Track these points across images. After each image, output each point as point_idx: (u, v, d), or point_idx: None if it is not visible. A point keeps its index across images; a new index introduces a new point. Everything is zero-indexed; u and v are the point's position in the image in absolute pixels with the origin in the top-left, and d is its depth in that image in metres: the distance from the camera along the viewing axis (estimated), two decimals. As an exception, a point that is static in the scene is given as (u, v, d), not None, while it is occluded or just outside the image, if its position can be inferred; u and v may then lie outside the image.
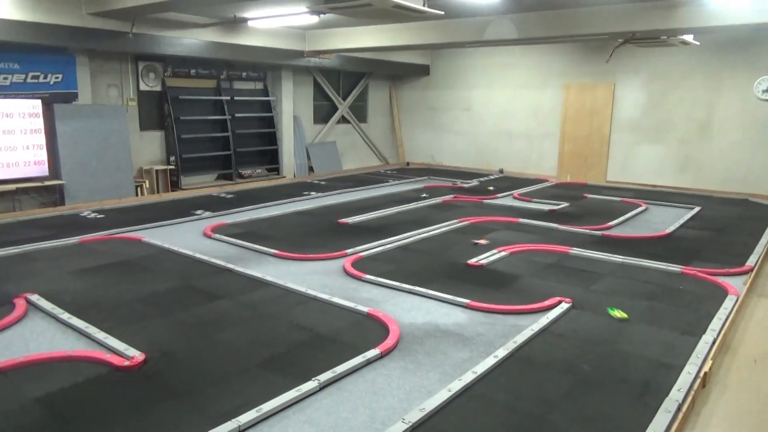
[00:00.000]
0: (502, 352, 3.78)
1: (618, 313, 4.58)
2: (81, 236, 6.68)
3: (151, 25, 8.70)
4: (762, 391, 3.47)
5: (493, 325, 4.32)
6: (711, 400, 3.32)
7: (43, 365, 3.56)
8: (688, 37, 8.80)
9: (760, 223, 8.06)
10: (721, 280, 5.44)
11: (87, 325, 4.11)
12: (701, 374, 3.47)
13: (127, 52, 9.31)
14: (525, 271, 5.68)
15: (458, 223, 7.77)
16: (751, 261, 6.10)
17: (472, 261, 5.96)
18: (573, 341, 4.05)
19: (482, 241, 6.72)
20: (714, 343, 4.00)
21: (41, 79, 8.46)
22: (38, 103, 8.36)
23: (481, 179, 12.22)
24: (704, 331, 4.21)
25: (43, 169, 8.48)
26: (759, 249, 6.61)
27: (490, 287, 5.20)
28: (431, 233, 7.20)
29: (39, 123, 8.36)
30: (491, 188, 11.15)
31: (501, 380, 3.48)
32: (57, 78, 8.62)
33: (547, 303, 4.71)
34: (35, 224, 7.44)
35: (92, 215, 8.05)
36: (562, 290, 5.08)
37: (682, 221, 8.16)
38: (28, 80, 8.32)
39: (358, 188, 10.77)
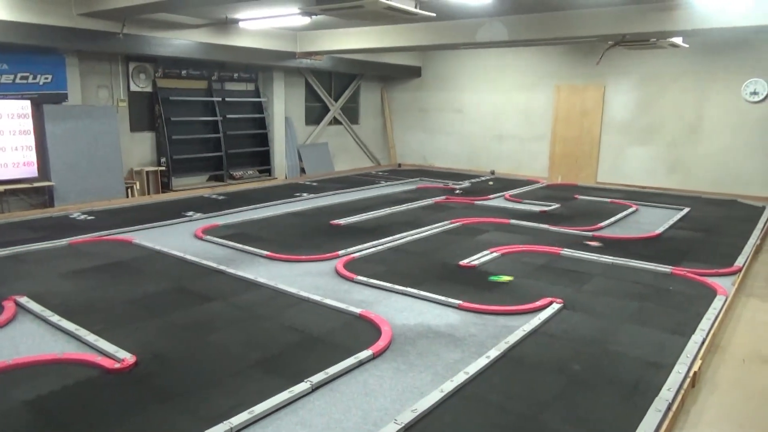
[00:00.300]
0: (494, 353, 3.80)
1: (502, 278, 4.82)
2: (71, 238, 6.64)
3: (142, 26, 8.66)
4: (750, 390, 3.50)
5: (485, 326, 4.33)
6: (700, 400, 3.35)
7: (33, 368, 3.53)
8: (678, 40, 8.88)
9: (748, 224, 8.14)
10: (710, 280, 5.49)
11: (77, 327, 4.08)
12: (691, 374, 3.50)
13: (117, 52, 9.27)
14: (516, 272, 5.70)
15: (450, 224, 7.79)
16: (740, 261, 6.15)
17: (464, 262, 5.98)
18: (564, 342, 4.08)
19: (594, 243, 6.88)
20: (703, 342, 4.03)
21: (30, 80, 8.40)
22: (27, 103, 8.30)
23: (473, 180, 12.26)
24: (694, 331, 4.24)
25: (32, 171, 8.41)
26: (747, 249, 6.68)
27: (482, 288, 5.22)
28: (423, 234, 7.22)
29: (28, 124, 8.30)
30: (491, 183, 11.26)
31: (493, 381, 3.49)
32: (46, 79, 8.56)
33: (538, 304, 4.73)
34: (24, 226, 7.38)
35: (82, 217, 8.00)
36: (554, 291, 5.11)
37: (671, 222, 8.23)
38: (17, 81, 8.26)
39: (350, 189, 10.77)
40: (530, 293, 5.04)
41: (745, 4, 6.93)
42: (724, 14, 7.13)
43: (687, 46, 9.71)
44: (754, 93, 10.30)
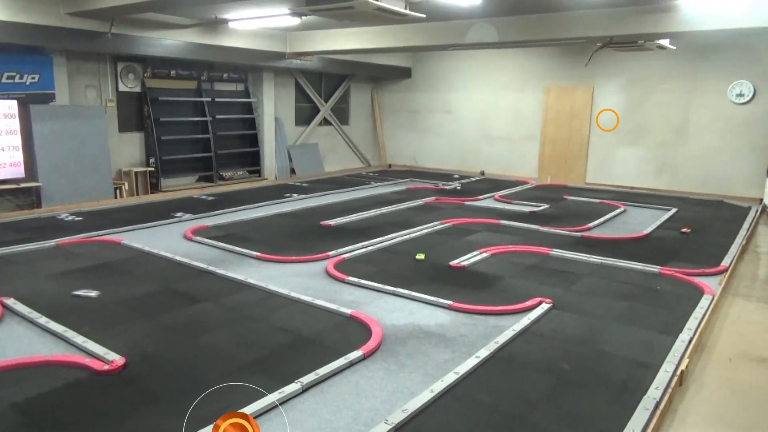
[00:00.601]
0: (484, 353, 3.81)
1: (419, 256, 5.82)
2: (58, 239, 6.58)
3: (131, 26, 8.60)
4: (736, 389, 3.55)
5: (475, 326, 4.35)
6: (687, 398, 3.39)
7: (21, 370, 3.50)
8: (665, 42, 8.97)
9: (734, 224, 8.23)
10: (697, 280, 5.55)
11: (65, 329, 4.05)
12: (678, 372, 3.53)
13: (105, 52, 9.20)
14: (506, 272, 5.73)
15: (440, 224, 7.81)
16: (726, 261, 6.22)
17: (455, 262, 5.99)
18: (554, 341, 4.10)
19: (686, 230, 7.36)
20: (690, 342, 4.07)
21: (17, 80, 8.31)
22: (14, 103, 8.21)
23: (463, 181, 12.30)
24: (681, 331, 4.29)
25: (18, 171, 8.33)
26: (733, 249, 6.75)
27: (472, 288, 5.24)
28: (414, 235, 7.23)
29: (15, 124, 8.21)
30: (475, 177, 11.74)
31: (483, 380, 3.51)
32: (33, 78, 8.48)
33: (528, 304, 4.75)
34: (11, 227, 7.30)
35: (70, 218, 7.93)
36: (543, 291, 5.14)
37: (659, 222, 8.30)
38: (4, 80, 8.17)
39: (340, 190, 10.76)
40: (520, 293, 5.07)
41: (732, 7, 7.01)
42: (711, 17, 7.22)
43: (674, 48, 9.81)
44: (740, 95, 10.42)
